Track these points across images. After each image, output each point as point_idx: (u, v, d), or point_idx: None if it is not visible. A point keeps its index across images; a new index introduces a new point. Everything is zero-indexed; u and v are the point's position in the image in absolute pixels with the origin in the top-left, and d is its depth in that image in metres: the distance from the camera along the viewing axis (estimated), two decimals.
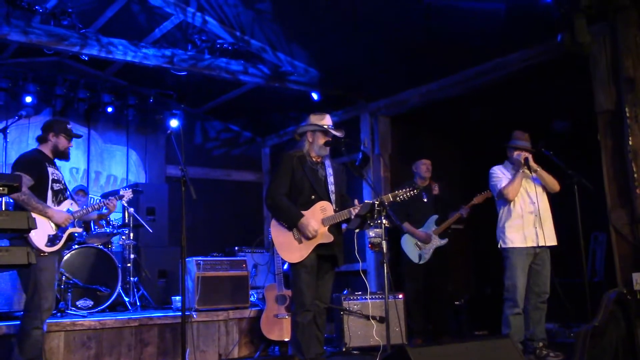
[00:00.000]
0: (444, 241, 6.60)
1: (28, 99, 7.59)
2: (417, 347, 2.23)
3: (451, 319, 7.13)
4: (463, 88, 6.79)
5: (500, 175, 5.33)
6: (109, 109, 8.26)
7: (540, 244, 5.17)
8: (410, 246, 6.62)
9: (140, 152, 8.93)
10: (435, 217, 6.64)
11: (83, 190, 7.28)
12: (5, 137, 5.90)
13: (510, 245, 5.18)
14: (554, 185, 5.30)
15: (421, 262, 6.58)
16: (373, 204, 4.23)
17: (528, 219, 5.19)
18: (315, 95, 7.55)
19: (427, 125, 8.03)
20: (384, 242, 4.18)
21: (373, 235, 5.93)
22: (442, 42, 6.14)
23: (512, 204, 5.23)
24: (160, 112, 8.67)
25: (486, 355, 2.32)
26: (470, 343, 2.44)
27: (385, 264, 4.18)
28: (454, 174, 7.67)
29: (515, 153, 5.23)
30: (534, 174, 5.24)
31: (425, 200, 6.69)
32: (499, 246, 5.29)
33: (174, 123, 8.70)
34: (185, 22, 6.81)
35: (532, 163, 5.17)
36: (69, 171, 8.27)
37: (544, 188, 5.33)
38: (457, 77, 6.77)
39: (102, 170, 8.62)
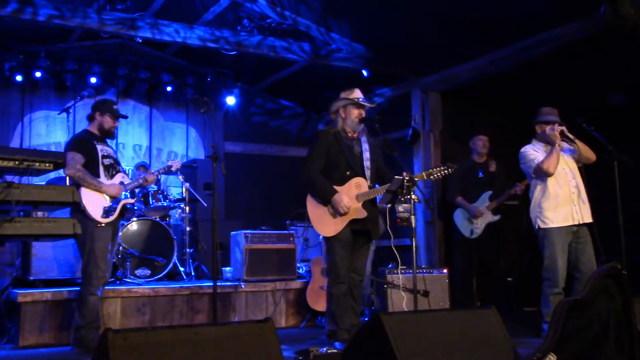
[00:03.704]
0: (496, 217, 6.64)
1: (93, 80, 7.99)
2: (393, 315, 2.31)
3: (502, 295, 7.12)
4: (512, 62, 6.65)
5: (534, 152, 5.21)
6: (169, 88, 8.58)
7: (580, 222, 5.09)
8: (462, 220, 6.70)
9: (199, 130, 9.25)
10: (489, 192, 6.68)
11: (144, 166, 7.67)
12: (68, 116, 6.28)
13: (550, 225, 5.06)
14: (591, 154, 5.15)
15: (473, 237, 6.63)
16: (403, 179, 4.30)
17: (568, 196, 5.07)
18: (364, 72, 7.60)
19: (478, 100, 7.91)
20: (412, 217, 4.26)
21: (402, 210, 6.00)
22: (491, 16, 6.04)
23: (549, 182, 5.10)
24: (217, 90, 8.92)
25: (465, 325, 2.38)
26: (451, 312, 2.48)
27: (413, 239, 4.27)
28: (506, 150, 7.54)
29: (548, 127, 5.11)
30: (572, 146, 5.11)
31: (481, 176, 6.73)
32: (536, 227, 5.17)
33: (230, 100, 8.97)
34: (234, 2, 6.97)
35: (568, 133, 5.06)
36: (132, 148, 8.72)
37: (577, 162, 5.22)
38: (505, 52, 6.62)
39: (163, 147, 9.00)
